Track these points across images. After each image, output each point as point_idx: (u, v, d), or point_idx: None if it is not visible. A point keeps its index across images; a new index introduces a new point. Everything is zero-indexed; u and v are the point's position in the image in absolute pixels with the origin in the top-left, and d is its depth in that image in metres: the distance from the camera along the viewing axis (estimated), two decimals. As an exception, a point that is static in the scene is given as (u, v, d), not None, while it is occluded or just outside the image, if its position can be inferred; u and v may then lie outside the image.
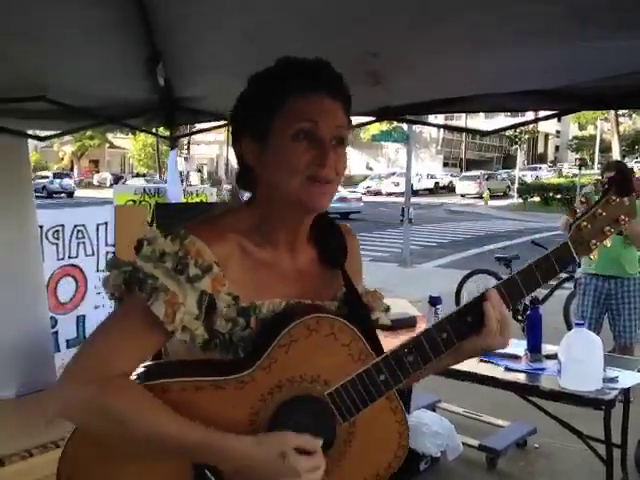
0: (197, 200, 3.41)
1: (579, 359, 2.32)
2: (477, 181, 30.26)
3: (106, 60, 2.49)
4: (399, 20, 1.83)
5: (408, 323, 3.18)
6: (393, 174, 34.09)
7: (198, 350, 0.97)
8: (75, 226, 2.89)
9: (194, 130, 3.50)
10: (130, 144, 37.35)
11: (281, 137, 0.96)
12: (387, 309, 1.16)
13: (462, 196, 29.70)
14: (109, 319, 0.99)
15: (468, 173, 34.30)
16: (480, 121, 33.52)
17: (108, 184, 34.20)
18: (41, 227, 2.75)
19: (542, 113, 2.77)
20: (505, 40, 1.86)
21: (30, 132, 2.96)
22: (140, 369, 0.98)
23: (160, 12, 2.35)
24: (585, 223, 1.01)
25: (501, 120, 24.70)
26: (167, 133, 3.38)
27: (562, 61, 2.01)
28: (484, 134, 3.00)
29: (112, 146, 41.37)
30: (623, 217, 1.01)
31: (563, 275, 6.11)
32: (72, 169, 41.64)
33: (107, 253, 2.97)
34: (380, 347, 1.02)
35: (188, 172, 27.71)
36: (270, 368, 0.94)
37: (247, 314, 0.98)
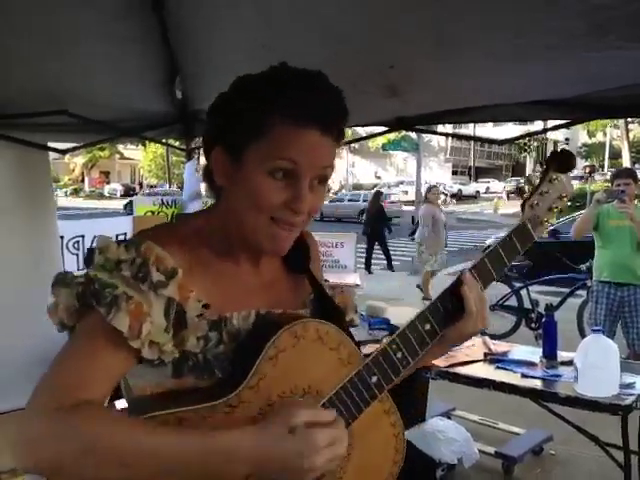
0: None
1: (596, 365, 2.33)
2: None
3: (126, 74, 2.55)
4: (415, 34, 1.87)
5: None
6: (401, 183, 34.14)
7: (169, 379, 0.87)
8: (95, 237, 2.95)
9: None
10: (140, 155, 37.66)
11: (256, 166, 0.85)
12: (355, 309, 1.14)
13: None
14: (67, 346, 0.84)
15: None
16: (489, 129, 33.52)
17: (118, 195, 34.51)
18: (62, 238, 2.81)
19: (552, 122, 2.80)
20: (519, 53, 1.89)
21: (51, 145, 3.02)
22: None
23: (179, 27, 2.41)
24: (536, 201, 1.04)
25: (510, 128, 24.68)
26: (176, 143, 3.44)
27: (573, 72, 2.04)
28: (499, 143, 3.06)
29: (122, 157, 41.72)
30: (564, 194, 1.05)
31: (576, 283, 6.11)
32: (83, 180, 42.02)
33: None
34: (359, 348, 0.96)
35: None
36: (259, 386, 0.85)
37: (218, 327, 0.88)
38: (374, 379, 0.92)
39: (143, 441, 0.77)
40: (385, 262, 11.75)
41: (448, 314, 0.98)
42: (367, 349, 1.04)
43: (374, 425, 0.96)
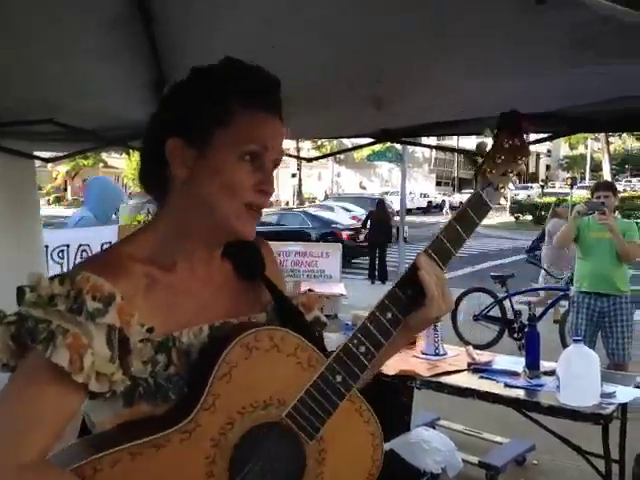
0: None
1: (578, 375, 2.36)
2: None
3: (113, 84, 2.56)
4: (403, 48, 1.91)
5: (408, 341, 3.23)
6: (386, 193, 34.34)
7: (123, 409, 0.85)
8: (80, 246, 2.95)
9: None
10: (124, 164, 37.44)
11: (227, 151, 0.87)
12: (321, 308, 1.10)
13: None
14: (8, 389, 0.81)
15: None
16: (472, 141, 33.90)
17: (102, 203, 34.21)
18: (46, 247, 2.80)
19: (534, 135, 2.85)
20: (503, 68, 1.94)
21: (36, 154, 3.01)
22: (60, 453, 0.83)
23: (167, 37, 2.43)
24: (488, 169, 0.99)
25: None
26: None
27: (555, 86, 2.09)
28: (482, 155, 3.08)
29: (106, 165, 41.41)
30: (519, 157, 1.01)
31: (558, 293, 6.19)
32: (65, 189, 41.64)
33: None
34: (324, 349, 0.94)
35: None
36: (214, 406, 0.82)
37: (165, 348, 0.86)
38: (339, 378, 0.89)
39: None
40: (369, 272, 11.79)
41: (409, 300, 0.94)
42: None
43: (347, 426, 0.92)
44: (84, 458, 0.78)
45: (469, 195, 1.00)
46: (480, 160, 0.99)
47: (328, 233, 14.33)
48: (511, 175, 1.00)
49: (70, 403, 0.81)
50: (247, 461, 0.84)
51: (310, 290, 4.29)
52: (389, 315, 0.92)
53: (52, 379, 0.78)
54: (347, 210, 19.61)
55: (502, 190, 1.00)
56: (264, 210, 0.95)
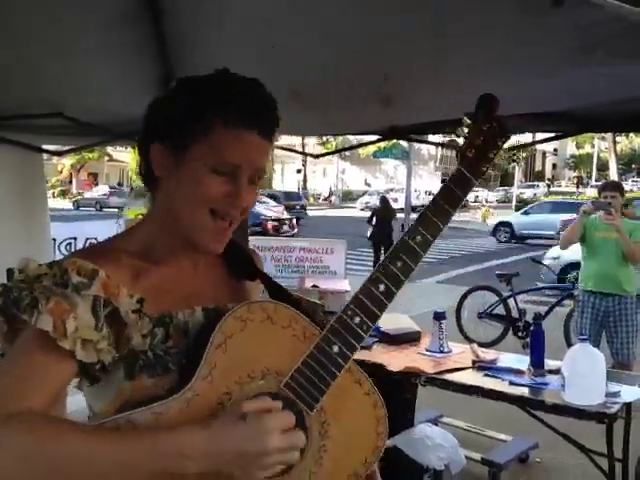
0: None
1: (583, 374, 2.37)
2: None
3: (121, 79, 2.57)
4: (403, 48, 1.91)
5: (412, 337, 3.25)
6: (391, 190, 34.30)
7: (124, 383, 0.86)
8: (87, 239, 2.96)
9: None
10: (129, 157, 37.50)
11: (199, 164, 0.88)
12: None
13: None
14: (2, 362, 0.86)
15: None
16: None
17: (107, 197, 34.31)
18: (54, 240, 2.82)
19: (541, 134, 2.85)
20: (510, 67, 1.94)
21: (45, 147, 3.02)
22: None
23: (175, 34, 2.43)
24: (468, 149, 1.01)
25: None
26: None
27: (562, 86, 2.08)
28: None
29: (111, 159, 41.51)
30: (499, 139, 1.02)
31: (563, 292, 6.19)
32: (70, 182, 41.76)
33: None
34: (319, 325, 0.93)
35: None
36: (211, 375, 0.83)
37: (163, 323, 0.89)
38: (335, 349, 0.88)
39: (78, 447, 0.77)
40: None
41: (402, 272, 0.94)
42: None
43: (347, 397, 0.92)
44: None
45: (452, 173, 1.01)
46: (462, 141, 1.02)
47: (257, 224, 16.03)
48: (493, 156, 1.02)
49: (60, 372, 0.83)
50: None
51: (315, 286, 4.34)
52: (382, 287, 0.92)
53: (40, 347, 0.81)
54: (261, 202, 21.27)
55: (484, 169, 1.01)
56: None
